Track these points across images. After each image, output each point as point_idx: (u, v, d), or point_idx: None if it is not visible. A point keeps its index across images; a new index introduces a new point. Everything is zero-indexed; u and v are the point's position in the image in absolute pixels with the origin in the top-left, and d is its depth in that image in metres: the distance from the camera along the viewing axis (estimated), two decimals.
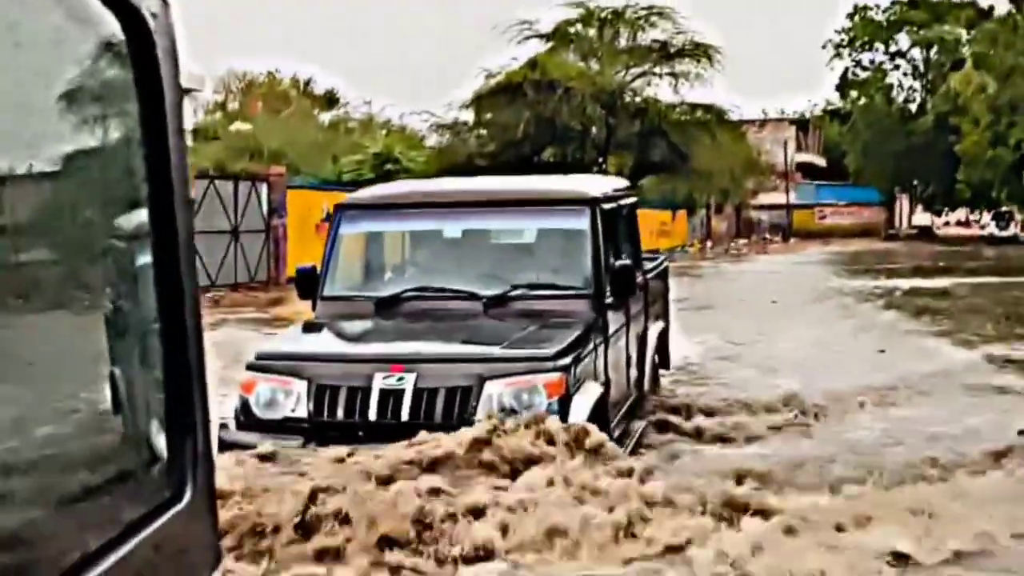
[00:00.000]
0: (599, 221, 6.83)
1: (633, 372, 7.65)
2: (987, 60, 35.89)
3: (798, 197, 70.30)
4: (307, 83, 59.98)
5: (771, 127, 73.78)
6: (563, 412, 5.65)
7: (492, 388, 5.65)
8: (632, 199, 8.47)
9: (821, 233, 63.65)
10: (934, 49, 58.56)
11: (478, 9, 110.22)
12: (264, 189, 21.01)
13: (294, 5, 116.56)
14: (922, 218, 77.46)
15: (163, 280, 1.60)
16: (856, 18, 64.72)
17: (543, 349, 5.88)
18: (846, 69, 66.95)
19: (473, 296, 6.59)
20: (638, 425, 7.64)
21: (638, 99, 44.38)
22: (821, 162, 76.35)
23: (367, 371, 5.76)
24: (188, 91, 46.60)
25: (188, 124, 45.08)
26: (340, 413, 5.75)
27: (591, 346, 6.24)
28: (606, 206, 7.16)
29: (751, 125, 69.00)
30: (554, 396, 5.66)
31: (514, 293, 6.61)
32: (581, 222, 6.80)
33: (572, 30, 44.49)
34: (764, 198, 63.65)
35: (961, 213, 79.67)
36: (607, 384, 6.48)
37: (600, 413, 6.05)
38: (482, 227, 7.27)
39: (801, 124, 75.32)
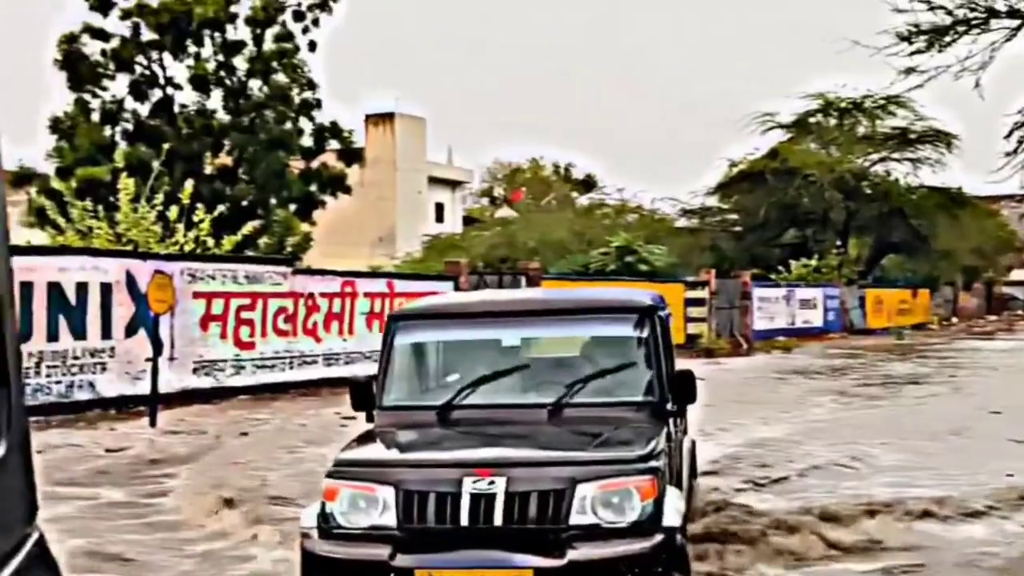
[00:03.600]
0: (658, 329, 6.88)
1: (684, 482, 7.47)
2: None
3: None
4: (567, 168, 64.88)
5: None
6: (656, 515, 5.54)
7: (584, 490, 5.51)
8: (668, 310, 8.25)
9: None
10: None
11: (723, 100, 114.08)
12: (523, 281, 25.10)
13: (552, 96, 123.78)
14: None
15: None
16: None
17: (632, 451, 5.80)
18: None
19: (536, 404, 6.45)
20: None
21: (877, 182, 46.27)
22: None
23: (455, 476, 5.60)
24: (458, 183, 51.82)
25: (458, 213, 49.74)
26: (431, 519, 5.55)
27: (666, 452, 6.08)
28: (661, 314, 7.17)
29: (1009, 200, 68.22)
30: (647, 499, 5.54)
31: (577, 400, 6.45)
32: (643, 330, 6.81)
33: (812, 120, 47.10)
34: (1021, 274, 62.94)
35: None
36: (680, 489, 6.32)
37: (684, 519, 5.92)
38: (541, 335, 7.20)
39: None
